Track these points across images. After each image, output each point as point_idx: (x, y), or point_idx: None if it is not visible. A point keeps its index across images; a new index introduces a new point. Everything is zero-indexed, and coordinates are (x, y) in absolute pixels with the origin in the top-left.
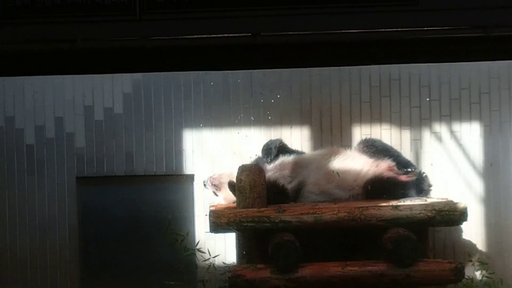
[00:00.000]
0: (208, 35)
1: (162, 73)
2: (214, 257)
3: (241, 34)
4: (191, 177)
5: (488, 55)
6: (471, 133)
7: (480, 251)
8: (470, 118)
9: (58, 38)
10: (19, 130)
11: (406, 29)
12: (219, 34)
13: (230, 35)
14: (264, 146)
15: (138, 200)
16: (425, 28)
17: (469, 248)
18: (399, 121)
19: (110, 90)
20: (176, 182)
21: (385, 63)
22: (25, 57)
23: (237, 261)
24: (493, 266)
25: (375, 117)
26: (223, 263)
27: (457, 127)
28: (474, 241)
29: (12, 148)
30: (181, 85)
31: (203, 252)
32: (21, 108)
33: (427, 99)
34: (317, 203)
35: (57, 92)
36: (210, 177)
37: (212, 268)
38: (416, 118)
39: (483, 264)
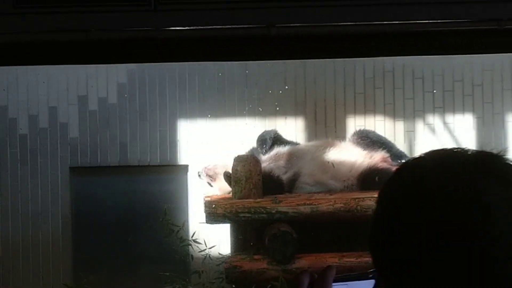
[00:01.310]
0: (222, 26)
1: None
2: (210, 248)
3: (256, 26)
4: (185, 168)
5: (499, 48)
6: (464, 124)
7: None
8: (463, 110)
9: (72, 28)
10: (12, 119)
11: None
12: (233, 25)
13: (245, 26)
14: (259, 136)
15: (132, 191)
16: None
17: None
18: (393, 113)
19: (105, 80)
20: (170, 172)
21: (380, 55)
22: (37, 47)
23: (232, 252)
24: None
25: (369, 109)
26: (219, 254)
27: (450, 118)
28: None
29: (5, 138)
30: (175, 75)
31: (199, 243)
32: (14, 97)
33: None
34: (312, 194)
35: (51, 81)
36: (205, 167)
37: (208, 259)
38: (410, 110)
39: None
